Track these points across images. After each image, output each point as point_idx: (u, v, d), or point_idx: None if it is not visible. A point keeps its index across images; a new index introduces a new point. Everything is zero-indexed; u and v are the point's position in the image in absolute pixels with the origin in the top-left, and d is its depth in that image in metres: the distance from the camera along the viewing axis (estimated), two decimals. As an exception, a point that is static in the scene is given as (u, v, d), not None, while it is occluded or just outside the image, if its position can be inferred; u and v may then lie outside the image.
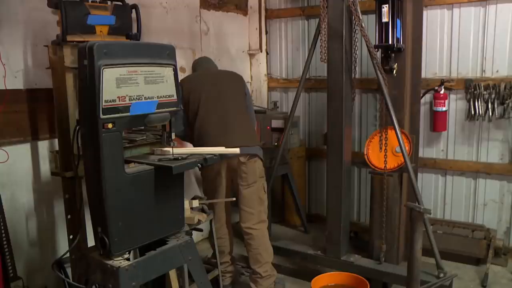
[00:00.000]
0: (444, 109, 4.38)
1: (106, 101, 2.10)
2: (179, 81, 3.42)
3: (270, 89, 5.73)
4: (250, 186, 3.52)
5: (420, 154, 4.43)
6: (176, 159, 2.39)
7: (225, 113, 3.46)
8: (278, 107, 5.53)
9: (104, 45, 2.12)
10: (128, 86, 2.19)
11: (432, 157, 4.62)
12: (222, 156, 3.21)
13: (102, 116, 2.09)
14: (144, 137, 2.58)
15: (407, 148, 3.57)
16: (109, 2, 3.04)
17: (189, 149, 2.71)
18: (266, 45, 5.59)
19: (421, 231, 2.18)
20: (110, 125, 2.13)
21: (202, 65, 3.84)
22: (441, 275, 3.36)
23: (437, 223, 4.43)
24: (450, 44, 4.42)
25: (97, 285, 2.32)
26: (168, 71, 2.39)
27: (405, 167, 3.49)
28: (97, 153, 2.11)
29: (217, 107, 3.46)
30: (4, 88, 3.06)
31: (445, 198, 4.62)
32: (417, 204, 3.28)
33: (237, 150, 2.70)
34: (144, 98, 2.28)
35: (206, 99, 3.45)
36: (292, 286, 3.89)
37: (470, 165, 4.45)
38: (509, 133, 4.21)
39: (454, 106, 4.45)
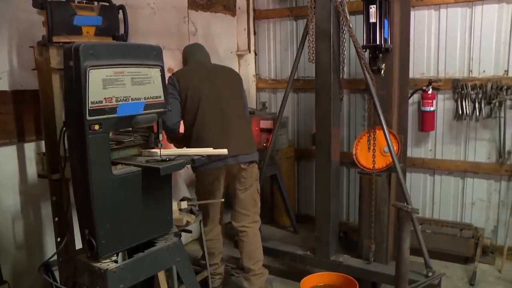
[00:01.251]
0: (432, 109, 4.42)
1: (92, 103, 2.09)
2: (173, 73, 3.46)
3: (258, 89, 5.74)
4: (247, 189, 3.56)
5: (409, 154, 4.46)
6: (163, 160, 2.38)
7: (225, 118, 3.43)
8: (267, 108, 5.54)
9: (90, 46, 2.11)
10: (114, 87, 2.18)
11: (420, 156, 4.66)
12: (223, 161, 3.29)
13: (88, 118, 2.08)
14: (132, 139, 2.57)
15: (395, 148, 3.60)
16: (95, 3, 3.02)
17: (176, 150, 2.70)
18: (255, 45, 5.60)
19: (408, 231, 2.20)
20: (96, 127, 2.12)
21: (194, 55, 3.70)
22: (430, 274, 3.38)
23: (425, 222, 4.46)
24: (438, 44, 4.46)
25: (86, 287, 2.31)
26: (155, 72, 2.38)
27: (394, 167, 3.52)
28: (83, 155, 2.10)
29: (217, 111, 3.42)
30: (-12, 89, 3.05)
31: (433, 198, 4.66)
32: (405, 203, 3.32)
33: (225, 151, 2.70)
34: (131, 99, 2.27)
35: (206, 101, 3.39)
36: (281, 287, 3.90)
37: (458, 165, 4.49)
38: (496, 132, 4.25)
39: (442, 106, 4.49)
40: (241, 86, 3.72)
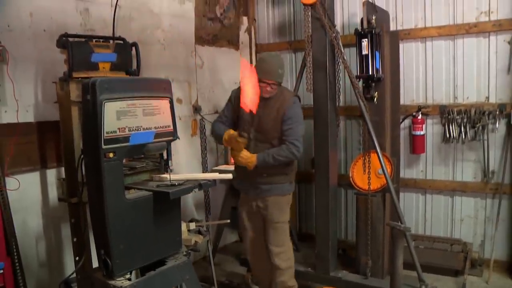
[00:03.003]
0: (422, 133, 4.40)
1: (107, 133, 2.11)
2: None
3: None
4: None
5: (402, 175, 4.44)
6: (173, 185, 2.39)
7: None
8: (269, 133, 5.53)
9: (106, 81, 2.14)
10: (127, 118, 2.20)
11: (412, 177, 4.62)
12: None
13: (103, 146, 2.10)
14: (144, 165, 2.58)
15: (388, 170, 3.58)
16: (111, 41, 3.07)
17: (185, 175, 2.70)
18: (257, 77, 5.62)
19: (402, 248, 2.17)
20: (111, 154, 2.13)
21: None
22: (423, 287, 3.32)
23: (418, 239, 4.41)
24: (425, 73, 4.46)
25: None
26: (164, 103, 2.41)
27: (388, 187, 3.49)
28: (99, 181, 2.11)
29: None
30: (16, 121, 3.07)
31: (425, 215, 4.61)
32: (399, 222, 3.29)
33: (229, 176, 2.69)
34: (143, 128, 2.29)
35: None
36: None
37: (447, 184, 4.45)
38: (481, 154, 4.22)
39: (431, 130, 4.47)
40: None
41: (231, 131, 3.09)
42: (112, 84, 2.17)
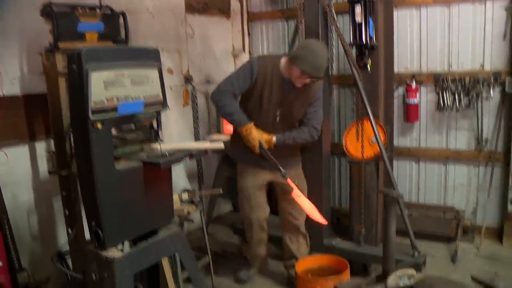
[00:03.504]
0: (415, 101, 4.40)
1: (95, 103, 2.08)
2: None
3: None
4: None
5: (395, 143, 4.44)
6: (163, 155, 2.37)
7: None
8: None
9: (92, 51, 2.09)
10: (115, 88, 2.16)
11: (406, 145, 4.63)
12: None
13: (91, 117, 2.07)
14: (135, 136, 2.55)
15: (382, 138, 3.57)
16: (98, 10, 3.00)
17: (176, 145, 2.68)
18: (249, 46, 5.56)
19: (394, 215, 2.19)
20: (99, 125, 2.10)
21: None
22: (416, 254, 3.38)
23: (412, 207, 4.44)
24: (420, 41, 4.42)
25: (95, 274, 2.30)
26: (153, 73, 2.36)
27: (381, 155, 3.50)
28: (88, 152, 2.09)
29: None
30: (2, 95, 3.02)
31: (419, 184, 4.64)
32: (392, 190, 3.32)
33: (221, 145, 2.68)
34: (131, 98, 2.25)
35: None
36: (277, 269, 3.87)
37: (440, 152, 4.47)
38: (474, 122, 4.23)
39: (425, 98, 4.46)
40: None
41: (257, 132, 3.07)
42: (99, 53, 2.12)
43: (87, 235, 2.52)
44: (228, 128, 4.77)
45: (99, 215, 2.13)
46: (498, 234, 4.25)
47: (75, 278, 2.51)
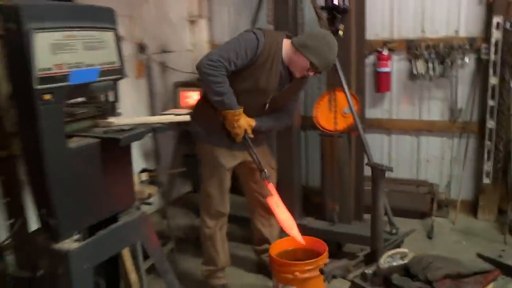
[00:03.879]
0: (387, 69, 4.35)
1: (41, 70, 1.84)
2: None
3: (213, 56, 5.47)
4: None
5: (366, 115, 4.38)
6: (122, 130, 2.17)
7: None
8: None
9: (34, 6, 1.84)
10: (65, 52, 1.92)
11: (377, 117, 4.60)
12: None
13: (37, 87, 1.83)
14: (85, 110, 2.33)
15: (356, 108, 3.49)
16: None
17: (135, 119, 2.47)
18: (208, 11, 5.31)
19: (383, 189, 2.11)
20: (48, 96, 1.87)
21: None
22: (394, 231, 3.36)
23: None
24: (391, 5, 4.35)
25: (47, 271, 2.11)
26: (109, 36, 2.14)
27: (355, 126, 3.43)
28: (34, 128, 1.86)
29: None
30: None
31: (390, 157, 4.65)
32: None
33: (186, 118, 2.50)
34: (84, 65, 2.02)
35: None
36: (248, 254, 3.78)
37: (413, 124, 4.48)
38: (448, 91, 4.24)
39: (397, 66, 4.42)
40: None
41: (244, 119, 2.82)
42: (43, 10, 1.86)
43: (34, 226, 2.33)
44: (187, 102, 4.59)
45: (51, 201, 1.92)
46: (472, 208, 4.33)
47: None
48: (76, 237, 2.03)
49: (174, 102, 4.67)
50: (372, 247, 2.11)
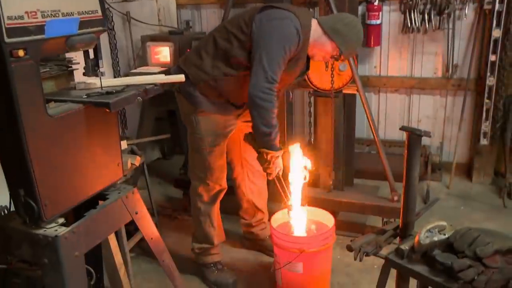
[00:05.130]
0: (378, 22, 4.20)
1: (10, 18, 1.56)
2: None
3: (179, 6, 5.15)
4: None
5: (353, 72, 4.25)
6: (109, 93, 1.92)
7: None
8: (191, 27, 5.03)
9: None
10: (38, -3, 1.65)
11: (365, 74, 4.47)
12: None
13: (7, 40, 1.55)
14: (47, 69, 2.05)
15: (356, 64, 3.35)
16: None
17: (120, 80, 2.22)
18: None
19: (419, 156, 1.98)
20: (20, 53, 1.60)
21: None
22: (396, 198, 3.29)
23: (372, 143, 4.35)
24: (383, -51, 4.17)
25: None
26: (88, -22, 1.86)
27: (356, 83, 3.31)
28: (7, 93, 1.59)
29: None
30: None
31: (379, 117, 4.56)
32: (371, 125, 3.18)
33: (182, 77, 2.25)
34: (62, 14, 1.74)
35: None
36: (234, 227, 3.61)
37: (404, 82, 4.39)
38: (444, 45, 4.14)
39: (387, 18, 4.28)
40: None
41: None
42: None
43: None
44: (158, 59, 4.31)
45: (31, 179, 1.67)
46: (466, 170, 4.32)
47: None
48: (61, 220, 1.81)
49: (145, 59, 4.36)
50: (404, 219, 2.00)
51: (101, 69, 2.04)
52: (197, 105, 2.71)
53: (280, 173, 2.71)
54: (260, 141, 2.56)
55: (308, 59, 2.75)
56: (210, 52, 2.64)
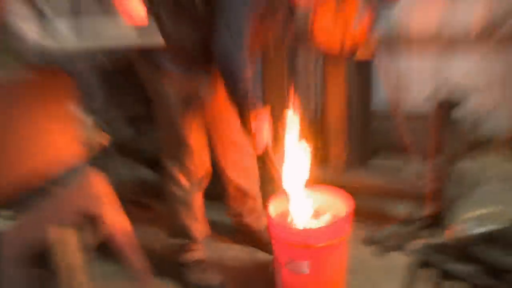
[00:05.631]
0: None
1: None
2: None
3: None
4: None
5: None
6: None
7: None
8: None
9: None
10: None
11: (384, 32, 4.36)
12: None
13: None
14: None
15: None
16: None
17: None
18: None
19: (454, 130, 1.92)
20: None
21: None
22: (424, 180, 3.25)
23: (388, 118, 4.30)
24: None
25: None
26: None
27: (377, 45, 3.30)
28: None
29: None
30: None
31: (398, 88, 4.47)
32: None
33: (159, 40, 2.17)
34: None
35: None
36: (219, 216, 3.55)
37: (433, 40, 4.28)
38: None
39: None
40: None
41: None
42: None
43: None
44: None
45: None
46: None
47: None
48: (5, 213, 1.74)
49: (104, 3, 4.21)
50: (436, 207, 1.92)
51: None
52: (167, 67, 2.59)
53: (270, 145, 2.65)
54: (236, 102, 2.50)
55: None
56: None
